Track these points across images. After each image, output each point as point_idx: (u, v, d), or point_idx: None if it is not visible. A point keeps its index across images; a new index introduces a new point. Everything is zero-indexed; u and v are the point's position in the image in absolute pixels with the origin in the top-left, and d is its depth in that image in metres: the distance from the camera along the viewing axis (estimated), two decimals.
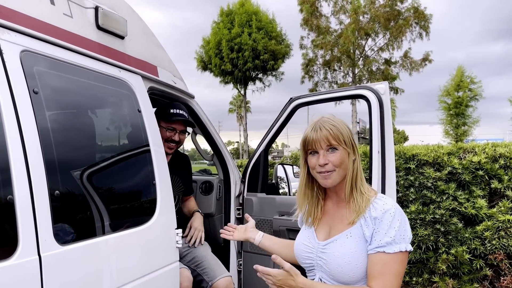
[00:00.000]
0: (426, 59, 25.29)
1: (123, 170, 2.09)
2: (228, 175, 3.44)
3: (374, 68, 25.88)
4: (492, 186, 4.34)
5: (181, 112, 2.86)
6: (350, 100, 24.16)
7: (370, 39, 25.62)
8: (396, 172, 4.54)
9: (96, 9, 1.99)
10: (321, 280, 1.63)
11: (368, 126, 2.61)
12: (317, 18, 25.60)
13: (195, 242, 2.92)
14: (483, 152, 4.45)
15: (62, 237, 1.56)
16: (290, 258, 1.79)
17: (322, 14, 25.85)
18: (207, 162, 3.84)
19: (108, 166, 1.99)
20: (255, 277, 3.27)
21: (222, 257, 3.08)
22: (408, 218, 4.51)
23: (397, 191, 4.59)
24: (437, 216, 4.37)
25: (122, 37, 2.19)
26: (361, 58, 26.04)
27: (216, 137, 3.33)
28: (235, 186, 3.41)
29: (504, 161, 4.35)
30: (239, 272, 3.34)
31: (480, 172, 4.37)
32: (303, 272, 1.58)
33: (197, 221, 3.03)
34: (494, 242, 4.21)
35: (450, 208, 4.38)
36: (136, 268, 1.96)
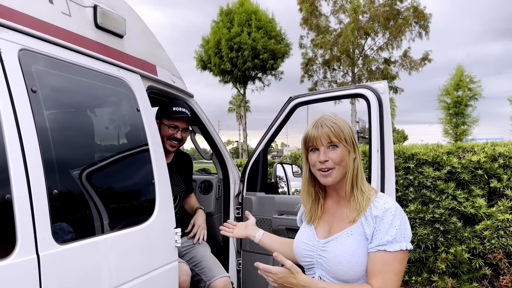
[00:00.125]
0: (425, 58, 25.28)
1: (122, 169, 2.09)
2: (227, 174, 3.44)
3: (373, 68, 25.87)
4: (491, 185, 4.35)
5: (183, 110, 2.86)
6: (349, 100, 24.17)
7: (369, 39, 25.63)
8: (396, 172, 4.54)
9: (95, 8, 1.99)
10: (320, 278, 1.63)
11: (367, 126, 2.61)
12: (317, 18, 25.58)
13: (198, 238, 2.94)
14: (482, 152, 4.45)
15: (60, 236, 1.55)
16: (290, 257, 1.79)
17: (322, 14, 25.83)
18: (206, 161, 3.84)
19: (107, 165, 1.98)
20: (254, 277, 3.28)
21: (221, 257, 3.08)
22: (408, 218, 4.52)
23: (397, 191, 4.59)
24: (437, 215, 4.38)
25: (121, 36, 2.18)
26: (360, 58, 26.04)
27: (215, 136, 3.33)
28: (234, 185, 3.41)
29: (503, 160, 4.35)
30: (238, 271, 3.34)
31: (480, 172, 4.37)
32: (302, 270, 1.58)
33: (200, 218, 3.05)
34: (493, 241, 4.21)
35: (450, 207, 4.38)
36: (135, 267, 1.96)
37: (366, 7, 24.66)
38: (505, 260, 4.22)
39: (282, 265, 1.52)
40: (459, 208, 4.36)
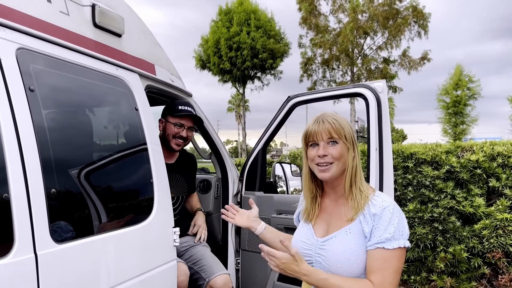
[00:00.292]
0: (424, 58, 25.26)
1: (120, 169, 2.08)
2: (226, 173, 3.44)
3: (372, 67, 25.85)
4: (490, 184, 4.35)
5: (189, 108, 2.87)
6: (348, 99, 24.17)
7: (368, 38, 25.60)
8: (394, 171, 4.54)
9: (93, 7, 1.99)
10: None
11: (366, 125, 2.61)
12: (316, 17, 25.55)
13: (199, 238, 2.96)
14: (481, 151, 4.46)
15: (58, 236, 1.55)
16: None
17: (321, 13, 25.80)
18: (205, 160, 3.84)
19: (105, 164, 1.98)
20: (253, 276, 3.27)
21: (220, 256, 3.08)
22: (406, 217, 4.51)
23: (395, 190, 4.60)
24: (435, 215, 4.38)
25: (119, 35, 2.18)
26: (359, 57, 26.01)
27: (214, 136, 3.33)
28: (233, 185, 3.41)
29: (502, 159, 4.36)
30: (237, 270, 3.34)
31: (478, 171, 4.37)
32: None
33: (200, 219, 3.09)
34: (492, 240, 4.22)
35: (448, 206, 4.39)
36: (133, 267, 1.96)
37: (365, 7, 24.64)
38: (504, 259, 4.23)
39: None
40: (458, 208, 4.36)
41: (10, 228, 1.38)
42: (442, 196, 4.44)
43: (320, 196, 1.76)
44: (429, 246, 4.46)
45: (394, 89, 26.41)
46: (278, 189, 4.47)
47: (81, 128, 1.89)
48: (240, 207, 3.34)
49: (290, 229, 2.95)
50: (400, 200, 4.63)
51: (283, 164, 4.81)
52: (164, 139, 2.88)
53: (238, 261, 3.33)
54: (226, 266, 3.20)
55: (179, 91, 2.91)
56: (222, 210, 2.09)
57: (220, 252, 3.25)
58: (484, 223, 4.25)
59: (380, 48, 25.67)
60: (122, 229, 1.91)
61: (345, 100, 25.54)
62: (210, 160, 3.61)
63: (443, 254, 4.37)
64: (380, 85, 2.60)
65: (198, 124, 3.03)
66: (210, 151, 3.50)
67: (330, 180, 1.64)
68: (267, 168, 4.11)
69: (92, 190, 1.82)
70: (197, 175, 3.75)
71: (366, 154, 2.55)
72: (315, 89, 25.82)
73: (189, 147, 3.13)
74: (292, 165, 5.02)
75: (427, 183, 4.50)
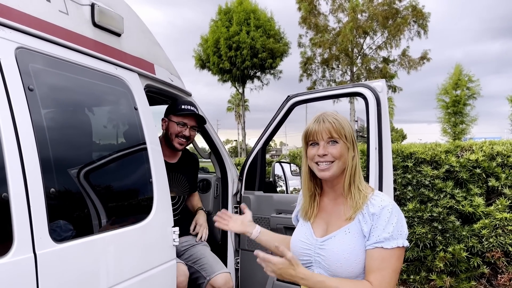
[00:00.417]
0: (424, 57, 25.28)
1: (120, 168, 2.08)
2: (226, 173, 3.44)
3: (372, 67, 25.86)
4: (490, 184, 4.36)
5: (192, 108, 2.88)
6: (348, 99, 24.16)
7: (368, 38, 25.61)
8: (394, 170, 4.54)
9: (92, 6, 1.98)
10: None
11: (366, 125, 2.61)
12: (316, 17, 25.56)
13: (201, 237, 2.98)
14: (481, 150, 4.46)
15: (57, 235, 1.55)
16: None
17: (321, 13, 25.80)
18: (205, 160, 3.84)
19: (104, 164, 1.98)
20: (252, 275, 3.27)
21: (219, 255, 3.08)
22: (406, 216, 4.51)
23: (395, 189, 4.60)
24: (435, 214, 4.38)
25: (118, 35, 2.18)
26: (359, 57, 26.02)
27: (213, 135, 3.33)
28: (233, 184, 3.41)
29: (502, 159, 4.36)
30: (236, 270, 3.34)
31: (478, 170, 4.37)
32: None
33: (202, 218, 3.10)
34: (491, 240, 4.22)
35: (448, 206, 4.39)
36: (132, 266, 1.96)
37: (365, 6, 24.64)
38: (503, 258, 4.23)
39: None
40: (457, 207, 4.36)
41: (9, 227, 1.37)
42: (442, 196, 4.44)
43: (319, 195, 1.75)
44: (429, 246, 4.47)
45: (393, 88, 26.42)
46: (278, 189, 4.48)
47: (80, 128, 1.89)
48: (240, 206, 3.35)
49: (290, 229, 2.95)
50: (400, 200, 4.63)
51: (282, 164, 4.81)
52: (167, 138, 2.88)
53: (238, 260, 3.33)
54: (225, 265, 3.20)
55: (179, 91, 2.91)
56: (215, 218, 2.04)
57: (219, 251, 3.25)
58: (483, 222, 4.25)
59: (379, 48, 25.69)
60: (121, 228, 1.91)
61: (344, 99, 25.60)
62: (209, 160, 3.61)
63: (442, 254, 4.37)
64: (379, 84, 2.60)
65: (200, 124, 3.03)
66: (210, 150, 3.50)
67: (330, 179, 1.64)
68: (267, 167, 4.11)
69: (92, 189, 1.81)
70: None
71: (366, 154, 2.55)
72: (314, 88, 25.82)
73: (188, 146, 3.13)
74: (291, 164, 5.03)
75: (427, 182, 4.50)
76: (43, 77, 1.68)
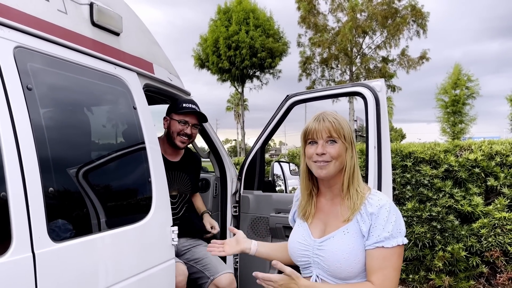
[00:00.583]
0: (423, 57, 25.28)
1: (118, 168, 2.08)
2: (225, 172, 3.44)
3: (371, 66, 25.86)
4: (488, 183, 4.36)
5: (193, 106, 2.89)
6: (347, 98, 24.17)
7: (367, 37, 25.61)
8: (393, 170, 4.54)
9: (91, 5, 1.98)
10: (318, 277, 1.63)
11: (365, 124, 2.61)
12: (315, 16, 25.55)
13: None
14: (480, 150, 4.47)
15: (56, 234, 1.55)
16: (287, 261, 1.79)
17: (320, 12, 25.79)
18: (204, 159, 3.84)
19: (103, 163, 1.98)
20: (250, 274, 3.27)
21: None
22: (405, 216, 4.53)
23: (394, 189, 4.60)
24: (434, 214, 4.38)
25: (117, 34, 2.17)
26: (358, 56, 26.02)
27: (213, 135, 3.33)
28: (232, 184, 3.41)
29: (500, 158, 4.36)
30: (235, 269, 3.34)
31: (477, 170, 4.38)
32: (297, 270, 1.58)
33: (213, 220, 3.18)
34: (490, 239, 4.23)
35: (447, 205, 4.39)
36: (131, 266, 1.96)
37: (364, 6, 24.63)
38: (502, 258, 4.24)
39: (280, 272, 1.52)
40: (456, 206, 4.37)
41: (8, 227, 1.37)
42: (441, 195, 4.44)
43: (315, 195, 1.75)
44: (428, 245, 4.47)
45: (393, 88, 26.43)
46: (277, 188, 4.48)
47: (79, 127, 1.89)
48: (239, 206, 3.35)
49: (289, 228, 2.94)
50: (399, 199, 4.63)
51: (281, 163, 4.82)
52: (169, 137, 2.90)
53: (237, 260, 3.33)
54: None
55: (178, 90, 2.91)
56: (209, 248, 1.97)
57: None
58: (482, 222, 4.26)
59: (379, 47, 25.69)
60: (120, 228, 1.91)
61: (344, 99, 25.59)
62: (208, 159, 3.61)
63: (441, 253, 4.37)
64: (378, 84, 2.60)
65: (202, 122, 3.04)
66: (209, 150, 3.51)
67: (326, 178, 1.64)
68: (266, 167, 4.11)
69: (90, 189, 1.81)
70: None
71: (365, 153, 2.56)
72: (314, 88, 25.82)
73: (190, 146, 3.13)
74: (290, 164, 5.03)
75: (426, 182, 4.50)
76: (41, 76, 1.67)
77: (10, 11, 1.56)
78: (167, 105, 3.05)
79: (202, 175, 3.74)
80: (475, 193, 4.37)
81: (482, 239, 4.28)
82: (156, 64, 2.57)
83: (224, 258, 3.25)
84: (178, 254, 2.77)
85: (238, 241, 1.97)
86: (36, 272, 1.44)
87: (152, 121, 2.31)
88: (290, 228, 1.89)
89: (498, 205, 4.25)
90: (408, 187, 4.58)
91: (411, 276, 4.63)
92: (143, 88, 2.33)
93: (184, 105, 2.86)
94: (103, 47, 2.05)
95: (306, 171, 1.72)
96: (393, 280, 1.51)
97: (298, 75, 27.30)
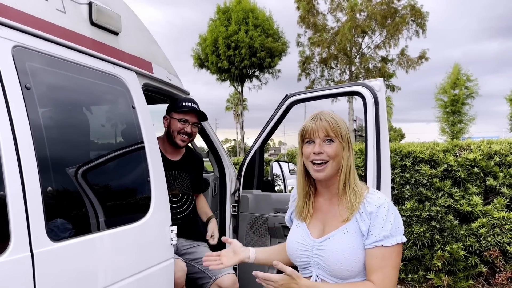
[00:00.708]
0: (422, 57, 25.30)
1: (117, 167, 2.08)
2: (224, 172, 3.44)
3: (370, 66, 25.87)
4: (487, 183, 4.36)
5: (193, 105, 2.90)
6: (346, 98, 24.19)
7: (366, 37, 25.63)
8: (392, 170, 4.55)
9: (90, 4, 1.98)
10: (317, 277, 1.63)
11: (364, 124, 2.61)
12: (314, 16, 25.56)
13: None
14: (479, 149, 4.47)
15: (54, 234, 1.55)
16: (286, 262, 1.78)
17: (319, 12, 25.81)
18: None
19: (102, 163, 1.98)
20: (250, 275, 3.27)
21: None
22: (404, 215, 4.53)
23: (393, 188, 4.60)
24: (433, 213, 4.39)
25: (116, 33, 2.17)
26: (358, 56, 26.04)
27: (211, 134, 3.33)
28: (231, 183, 3.41)
29: (499, 158, 4.37)
30: (234, 269, 3.34)
31: (476, 169, 4.38)
32: (296, 270, 1.57)
33: (216, 230, 3.09)
34: (489, 239, 4.23)
35: (446, 205, 4.40)
36: (130, 265, 1.96)
37: (363, 5, 24.65)
38: (501, 257, 4.24)
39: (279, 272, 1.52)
40: (455, 206, 4.37)
41: (6, 226, 1.37)
42: (440, 195, 4.45)
43: (313, 195, 1.75)
44: (427, 245, 4.47)
45: (392, 88, 26.45)
46: (276, 188, 4.48)
47: (77, 127, 1.88)
48: (238, 205, 3.35)
49: (287, 228, 2.95)
50: (398, 199, 4.64)
51: (280, 163, 4.82)
52: (169, 136, 2.90)
53: None
54: None
55: (176, 90, 2.91)
56: (206, 263, 1.88)
57: (217, 250, 3.24)
58: (481, 221, 4.26)
59: (378, 47, 25.71)
60: (119, 227, 1.90)
61: (343, 99, 25.61)
62: (207, 159, 3.61)
63: (440, 253, 4.38)
64: (377, 83, 2.60)
65: (202, 120, 3.04)
66: (208, 149, 3.51)
67: (324, 179, 1.64)
68: (265, 166, 4.11)
69: (89, 188, 1.81)
70: None
71: (364, 153, 2.56)
72: (313, 88, 25.82)
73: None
74: (289, 163, 5.03)
75: (425, 181, 4.51)
76: (40, 75, 1.67)
77: (8, 10, 1.56)
78: (166, 105, 3.05)
79: None
80: (474, 193, 4.37)
81: (481, 239, 4.28)
82: (155, 64, 2.57)
83: None
84: (178, 254, 2.76)
85: (236, 252, 1.91)
86: (35, 271, 1.44)
87: (151, 120, 2.30)
88: (289, 228, 1.88)
89: (497, 205, 4.26)
90: (407, 187, 4.58)
91: (410, 275, 4.64)
92: (142, 88, 2.33)
93: (184, 103, 2.86)
94: (102, 46, 2.04)
95: (303, 170, 1.72)
96: (392, 278, 1.52)
97: (297, 75, 27.34)
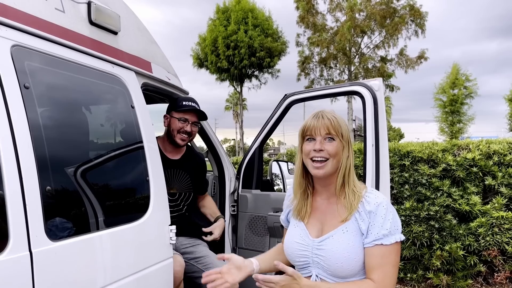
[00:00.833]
0: (421, 56, 25.30)
1: (116, 167, 2.08)
2: (223, 171, 3.44)
3: (370, 66, 25.87)
4: (486, 182, 4.37)
5: (193, 104, 2.91)
6: (346, 98, 24.19)
7: (366, 37, 25.61)
8: (391, 169, 4.55)
9: (89, 4, 1.98)
10: (317, 277, 1.63)
11: (363, 123, 2.61)
12: (313, 16, 25.55)
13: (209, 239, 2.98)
14: (477, 149, 4.48)
15: (53, 233, 1.55)
16: (284, 262, 1.78)
17: (318, 12, 25.80)
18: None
19: (101, 162, 1.98)
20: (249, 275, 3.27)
21: (216, 253, 3.08)
22: (403, 215, 4.53)
23: (392, 188, 4.61)
24: (432, 213, 4.39)
25: (115, 33, 2.17)
26: (357, 56, 26.04)
27: (210, 134, 3.33)
28: (230, 183, 3.41)
29: (498, 158, 4.37)
30: None
31: (474, 169, 4.39)
32: None
33: (218, 230, 3.04)
34: (488, 238, 4.24)
35: (445, 204, 4.40)
36: (129, 265, 1.96)
37: (362, 5, 24.64)
38: (500, 257, 4.25)
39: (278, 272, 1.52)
40: (454, 206, 4.38)
41: (5, 225, 1.37)
42: (439, 194, 4.45)
43: (311, 194, 1.75)
44: (426, 244, 4.48)
45: (391, 88, 26.46)
46: (275, 187, 4.48)
47: (76, 126, 1.88)
48: (237, 205, 3.35)
49: None
50: (397, 198, 4.64)
51: (280, 162, 4.82)
52: (169, 135, 2.90)
53: None
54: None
55: (176, 89, 2.91)
56: (209, 285, 1.69)
57: (216, 250, 3.25)
58: (480, 221, 4.27)
59: (377, 47, 25.70)
60: (117, 226, 1.90)
61: (342, 98, 25.61)
62: (207, 158, 3.61)
63: (439, 252, 4.38)
64: (376, 83, 2.60)
65: (202, 120, 3.04)
66: (207, 149, 3.51)
67: (323, 177, 1.64)
68: (264, 166, 4.11)
69: (88, 188, 1.81)
70: None
71: (363, 152, 2.56)
72: (312, 87, 25.82)
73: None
74: (289, 163, 5.03)
75: (424, 181, 4.51)
76: (39, 75, 1.67)
77: (7, 10, 1.56)
78: (165, 104, 3.05)
79: None
80: (473, 192, 4.38)
81: (480, 238, 4.29)
82: (154, 63, 2.56)
83: None
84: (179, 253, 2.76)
85: (239, 267, 1.74)
86: (34, 271, 1.44)
87: (150, 120, 2.30)
88: (286, 228, 1.88)
89: (496, 204, 4.26)
90: (406, 186, 4.59)
91: (409, 275, 4.64)
92: (141, 87, 2.33)
93: (184, 103, 2.87)
94: (101, 46, 2.04)
95: (301, 168, 1.71)
96: (392, 277, 1.53)
97: (296, 75, 27.34)
